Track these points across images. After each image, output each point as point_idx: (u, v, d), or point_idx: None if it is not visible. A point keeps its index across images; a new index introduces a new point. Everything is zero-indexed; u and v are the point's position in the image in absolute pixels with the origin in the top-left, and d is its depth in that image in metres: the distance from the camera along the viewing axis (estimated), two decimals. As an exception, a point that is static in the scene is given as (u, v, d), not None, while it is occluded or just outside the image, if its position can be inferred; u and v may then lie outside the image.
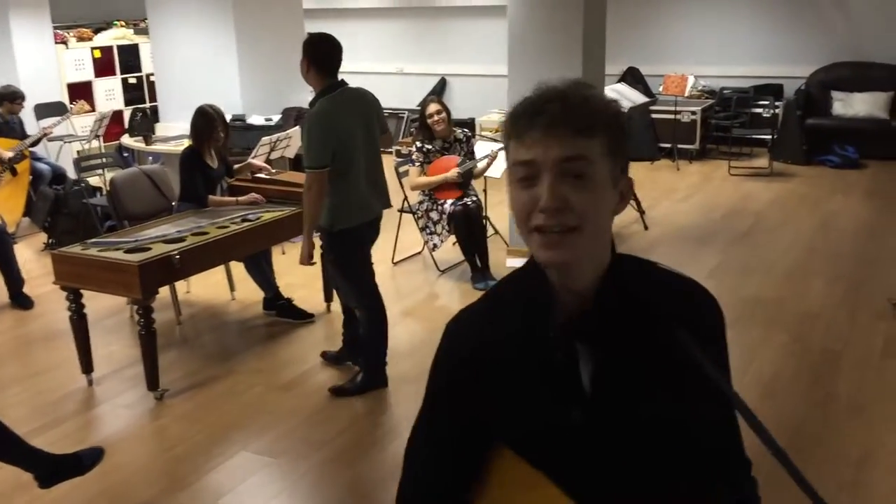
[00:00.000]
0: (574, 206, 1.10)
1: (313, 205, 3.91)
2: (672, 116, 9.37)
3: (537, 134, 1.11)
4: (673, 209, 7.60)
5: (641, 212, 7.06)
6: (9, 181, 6.58)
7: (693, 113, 9.38)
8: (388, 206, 4.27)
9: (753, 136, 9.38)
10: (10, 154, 7.03)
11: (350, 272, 4.18)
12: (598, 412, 1.15)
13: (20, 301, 5.63)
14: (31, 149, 7.38)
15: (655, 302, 1.20)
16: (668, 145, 9.46)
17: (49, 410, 4.16)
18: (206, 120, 5.08)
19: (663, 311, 1.18)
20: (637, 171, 8.35)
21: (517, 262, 6.03)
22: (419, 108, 6.75)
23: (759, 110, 9.44)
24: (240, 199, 5.12)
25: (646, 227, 6.93)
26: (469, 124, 9.47)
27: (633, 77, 9.62)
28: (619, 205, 1.18)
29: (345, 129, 3.90)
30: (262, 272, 5.24)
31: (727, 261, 6.09)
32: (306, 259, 4.08)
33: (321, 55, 3.91)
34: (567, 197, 1.10)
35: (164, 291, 4.57)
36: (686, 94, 9.53)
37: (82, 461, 3.25)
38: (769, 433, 1.07)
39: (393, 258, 6.20)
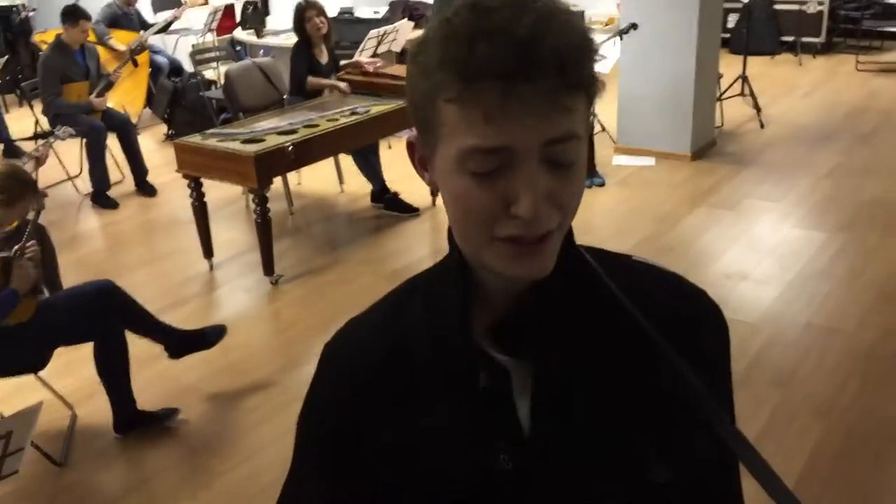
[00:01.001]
0: (560, 202, 0.76)
1: None
2: (796, 7, 8.82)
3: (516, 108, 0.70)
4: (792, 107, 7.25)
5: (758, 109, 6.77)
6: (130, 73, 6.83)
7: (820, 3, 8.80)
8: None
9: (885, 29, 8.75)
10: (128, 47, 7.28)
11: None
12: (536, 455, 0.82)
13: (144, 189, 5.94)
14: (149, 42, 7.61)
15: (622, 301, 0.85)
16: (790, 38, 8.95)
17: (174, 291, 4.45)
18: (298, 9, 5.19)
19: (630, 310, 0.84)
20: (756, 65, 7.97)
21: (625, 160, 5.95)
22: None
23: (894, 0, 8.78)
24: (336, 83, 5.28)
25: (762, 126, 6.66)
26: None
27: (756, -35, 9.07)
28: (582, 189, 0.83)
29: None
30: (370, 165, 5.35)
31: (847, 161, 5.82)
32: None
33: None
34: (554, 191, 0.75)
35: (276, 182, 4.73)
36: (814, -17, 8.94)
37: (207, 337, 3.49)
38: (783, 486, 0.73)
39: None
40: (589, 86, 0.75)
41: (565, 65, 0.71)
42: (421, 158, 0.83)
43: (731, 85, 6.83)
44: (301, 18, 5.21)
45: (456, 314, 0.84)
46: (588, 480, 0.82)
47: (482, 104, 0.71)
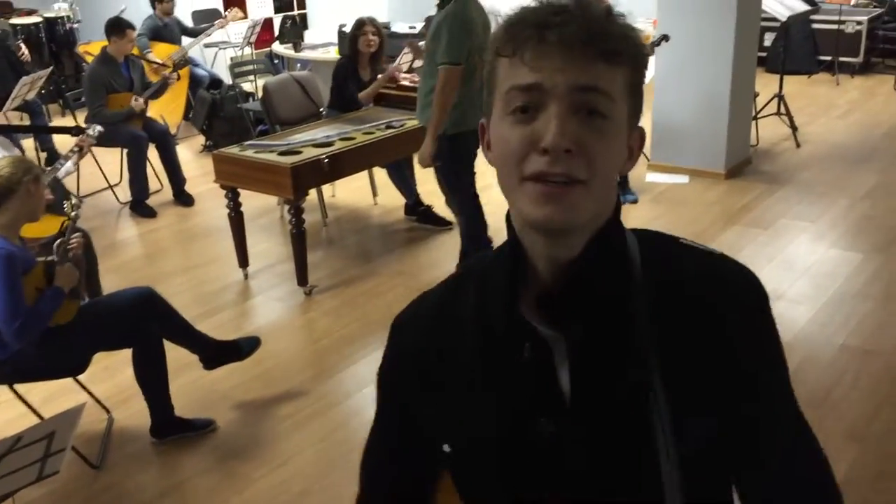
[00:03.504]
0: (587, 151, 0.84)
1: (447, 102, 3.97)
2: (835, 27, 8.75)
3: (547, 49, 0.84)
4: (829, 126, 7.19)
5: (794, 128, 6.73)
6: (171, 85, 6.96)
7: (859, 23, 8.72)
8: None
9: (926, 49, 8.66)
10: (170, 58, 7.41)
11: (455, 178, 4.24)
12: (575, 420, 0.91)
13: (182, 198, 6.04)
14: (189, 54, 7.75)
15: (660, 276, 0.93)
16: (828, 58, 8.88)
17: (209, 299, 4.52)
18: (354, 25, 5.25)
19: (669, 286, 0.92)
20: (793, 84, 7.91)
21: (658, 178, 5.93)
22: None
23: (935, 20, 8.69)
24: (380, 76, 5.38)
25: (798, 145, 6.61)
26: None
27: (794, -17, 9.02)
28: (628, 163, 0.92)
29: (476, 31, 3.97)
30: (404, 178, 5.39)
31: (886, 182, 5.75)
32: (429, 159, 4.13)
33: None
34: (581, 137, 0.84)
35: (311, 194, 4.79)
36: (852, 3, 8.86)
37: (241, 348, 3.53)
38: None
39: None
40: (623, 61, 0.87)
41: (592, 26, 0.85)
42: (488, 141, 0.94)
43: (767, 103, 6.80)
44: (357, 32, 5.26)
45: (505, 290, 0.93)
46: (621, 444, 0.90)
47: (521, 50, 0.86)
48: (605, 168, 0.86)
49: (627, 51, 0.87)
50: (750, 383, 0.92)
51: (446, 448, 1.01)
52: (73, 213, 3.19)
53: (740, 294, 0.94)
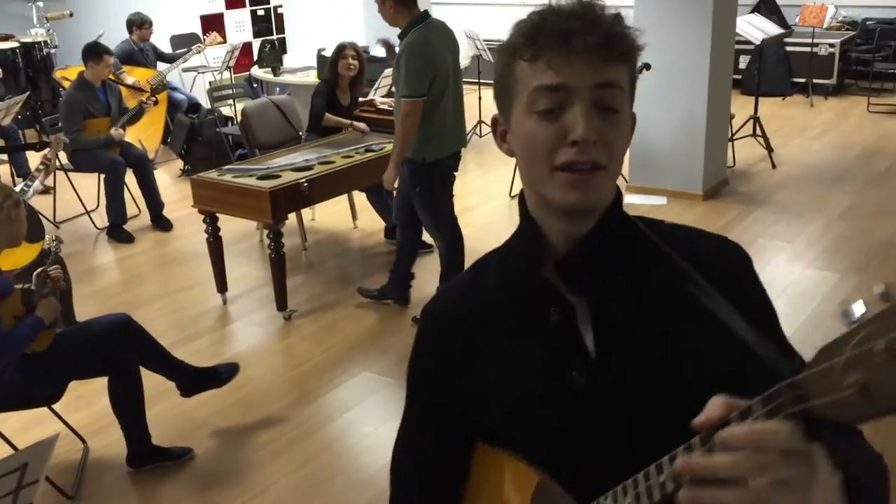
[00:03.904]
0: (607, 140, 0.97)
1: (409, 134, 3.98)
2: (808, 49, 8.89)
3: (572, 54, 0.94)
4: (804, 147, 7.28)
5: (770, 149, 6.80)
6: (147, 111, 6.93)
7: (831, 45, 8.86)
8: (465, 143, 4.32)
9: (897, 71, 8.81)
10: (147, 82, 7.39)
11: (434, 204, 4.22)
12: (602, 373, 1.02)
13: (160, 223, 6.00)
14: (167, 79, 7.74)
15: (655, 242, 1.06)
16: (802, 80, 9.01)
17: (188, 325, 4.47)
18: (335, 49, 5.26)
19: (666, 252, 1.04)
20: (768, 106, 8.02)
21: (637, 199, 5.97)
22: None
23: (906, 43, 8.84)
24: (354, 123, 5.33)
25: (773, 166, 6.68)
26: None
27: (766, 8, 9.14)
28: (626, 145, 1.05)
29: (440, 58, 3.98)
30: (384, 202, 5.39)
31: (861, 202, 5.82)
32: (391, 184, 4.20)
33: None
34: (602, 129, 0.96)
35: (290, 217, 4.77)
36: (825, 26, 8.99)
37: (220, 375, 3.50)
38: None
39: (510, 191, 6.23)
40: (630, 59, 0.98)
41: (610, 31, 0.96)
42: (502, 132, 1.06)
43: (743, 125, 6.87)
44: (337, 57, 5.27)
45: (531, 259, 1.05)
46: (643, 392, 1.01)
47: (546, 54, 0.95)
48: (620, 153, 1.00)
49: (634, 49, 0.99)
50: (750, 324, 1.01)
51: (486, 419, 1.08)
52: (53, 247, 3.15)
53: (729, 255, 1.09)
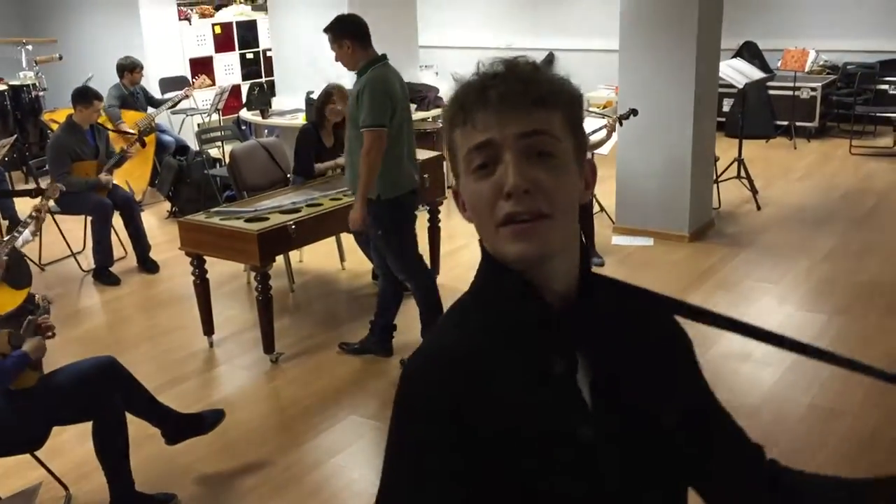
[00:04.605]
0: (544, 188, 0.96)
1: (374, 166, 3.94)
2: (790, 93, 9.03)
3: (490, 108, 0.97)
4: (788, 189, 7.36)
5: (754, 191, 6.87)
6: (136, 152, 6.94)
7: (813, 89, 9.01)
8: (418, 184, 4.27)
9: (878, 114, 8.95)
10: (136, 125, 7.41)
11: (397, 243, 4.17)
12: (604, 425, 1.02)
13: (147, 266, 5.97)
14: (156, 121, 7.76)
15: (635, 297, 1.09)
16: (785, 123, 9.13)
17: (174, 368, 4.43)
18: (323, 92, 5.29)
19: (649, 303, 1.09)
20: (752, 149, 8.11)
21: (624, 240, 6.00)
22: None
23: (885, 87, 8.99)
24: (338, 161, 5.32)
25: (758, 208, 6.75)
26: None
27: (749, 52, 9.30)
28: (585, 193, 1.05)
29: (398, 96, 4.02)
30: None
31: (845, 243, 5.87)
32: (360, 222, 4.09)
33: (361, 30, 4.04)
34: (536, 177, 0.96)
35: (278, 259, 4.77)
36: (806, 70, 9.15)
37: (204, 421, 3.45)
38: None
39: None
40: (557, 104, 0.99)
41: (525, 79, 0.98)
42: (462, 202, 1.05)
43: (727, 167, 6.94)
44: (325, 100, 5.30)
45: (533, 310, 1.02)
46: (638, 444, 1.03)
47: (472, 115, 0.99)
48: (564, 201, 0.99)
49: (558, 94, 1.00)
50: (701, 378, 1.16)
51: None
52: (43, 305, 3.15)
53: (675, 325, 1.15)
